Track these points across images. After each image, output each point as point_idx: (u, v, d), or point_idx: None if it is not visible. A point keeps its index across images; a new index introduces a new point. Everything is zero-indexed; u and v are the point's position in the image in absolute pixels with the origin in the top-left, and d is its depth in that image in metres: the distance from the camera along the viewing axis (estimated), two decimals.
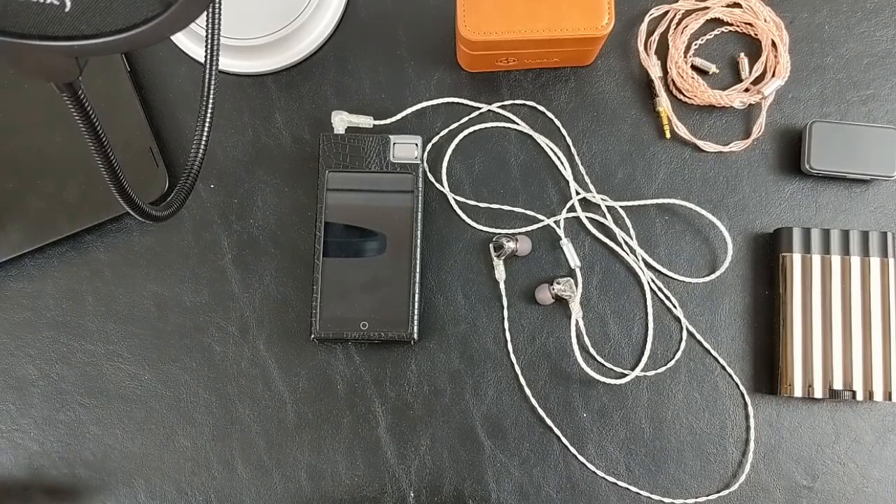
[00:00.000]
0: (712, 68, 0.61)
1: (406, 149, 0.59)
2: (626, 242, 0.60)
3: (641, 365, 0.59)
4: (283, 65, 0.61)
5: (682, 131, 0.60)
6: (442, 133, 0.61)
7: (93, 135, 0.38)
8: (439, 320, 0.60)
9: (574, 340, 0.57)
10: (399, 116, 0.61)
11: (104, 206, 0.59)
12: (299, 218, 0.61)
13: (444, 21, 0.62)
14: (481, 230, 0.60)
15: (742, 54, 0.62)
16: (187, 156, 0.59)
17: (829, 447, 0.58)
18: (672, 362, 0.59)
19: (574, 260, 0.59)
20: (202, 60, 0.62)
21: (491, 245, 0.60)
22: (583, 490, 0.58)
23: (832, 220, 0.61)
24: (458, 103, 0.62)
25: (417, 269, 0.57)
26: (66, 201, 0.59)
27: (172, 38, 0.62)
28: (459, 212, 0.61)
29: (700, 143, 0.61)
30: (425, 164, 0.61)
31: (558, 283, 0.58)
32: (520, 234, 0.60)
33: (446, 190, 0.61)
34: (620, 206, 0.61)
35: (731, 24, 0.62)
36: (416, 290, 0.57)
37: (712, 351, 0.59)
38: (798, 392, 0.57)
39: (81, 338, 0.60)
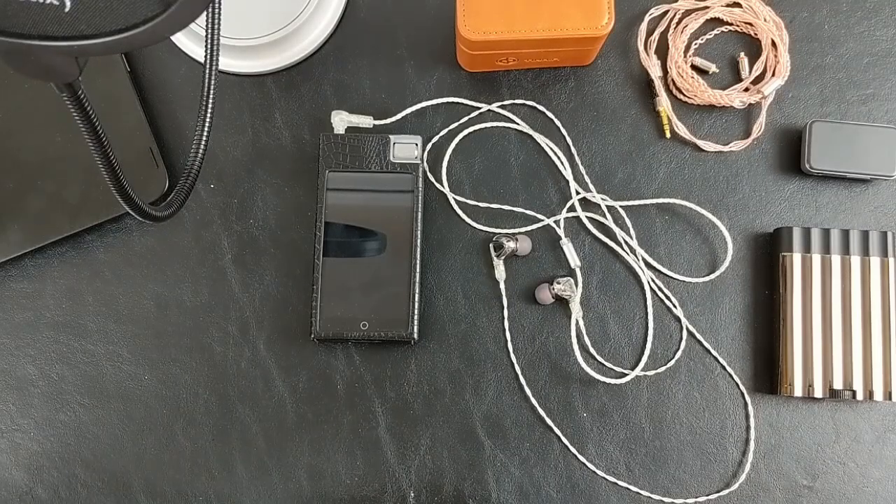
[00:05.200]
0: (712, 68, 0.61)
1: (406, 149, 0.59)
2: (626, 242, 0.60)
3: (641, 365, 0.59)
4: (283, 65, 0.61)
5: (682, 131, 0.60)
6: (442, 133, 0.61)
7: (93, 135, 0.38)
8: (439, 320, 0.60)
9: (574, 340, 0.57)
10: (399, 116, 0.61)
11: (104, 206, 0.59)
12: (299, 218, 0.61)
13: (444, 21, 0.62)
14: (481, 230, 0.60)
15: (742, 54, 0.62)
16: (187, 156, 0.59)
17: (829, 447, 0.58)
18: (672, 362, 0.59)
19: (574, 260, 0.59)
20: (202, 60, 0.62)
21: (491, 245, 0.60)
22: (583, 490, 0.58)
23: (832, 220, 0.61)
24: (458, 103, 0.62)
25: (417, 269, 0.57)
26: (66, 201, 0.59)
27: (172, 38, 0.62)
28: (459, 212, 0.61)
29: (700, 143, 0.61)
30: (425, 164, 0.61)
31: (558, 283, 0.58)
32: (520, 233, 0.60)
33: (446, 190, 0.61)
34: (620, 206, 0.61)
35: (731, 24, 0.62)
36: (416, 290, 0.57)
37: (712, 351, 0.59)
38: (798, 392, 0.57)
39: (81, 338, 0.60)
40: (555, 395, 0.59)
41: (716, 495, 0.58)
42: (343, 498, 0.58)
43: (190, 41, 0.61)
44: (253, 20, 0.59)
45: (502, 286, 0.60)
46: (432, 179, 0.61)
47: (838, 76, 0.62)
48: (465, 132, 0.61)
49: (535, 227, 0.60)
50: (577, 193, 0.61)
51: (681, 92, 0.61)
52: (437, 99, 0.62)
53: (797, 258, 0.58)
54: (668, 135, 0.61)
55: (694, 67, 0.62)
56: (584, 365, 0.57)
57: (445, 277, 0.60)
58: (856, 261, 0.58)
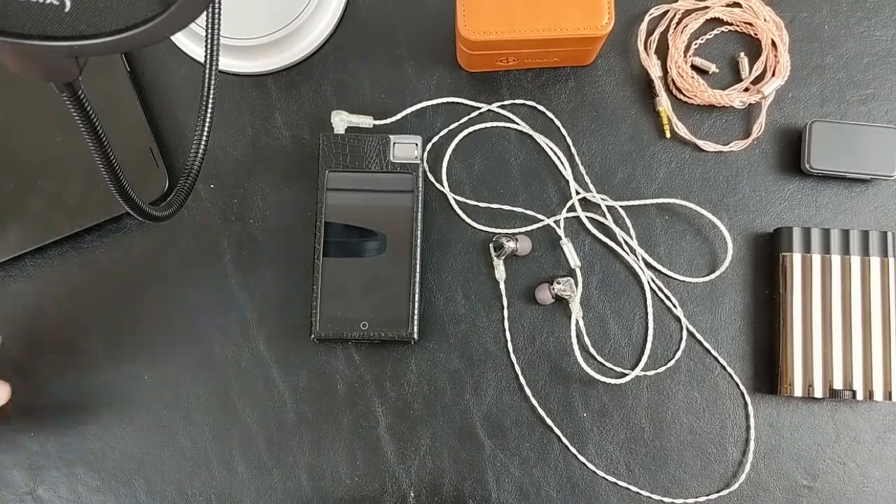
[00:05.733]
0: (712, 68, 0.61)
1: (406, 149, 0.59)
2: (626, 242, 0.60)
3: (641, 365, 0.59)
4: (283, 65, 0.61)
5: (682, 131, 0.60)
6: (442, 133, 0.61)
7: (93, 135, 0.38)
8: (439, 320, 0.60)
9: (574, 340, 0.57)
10: (399, 116, 0.61)
11: (104, 206, 0.59)
12: (299, 218, 0.61)
13: (444, 21, 0.62)
14: (481, 230, 0.60)
15: (742, 54, 0.62)
16: (187, 156, 0.59)
17: (829, 447, 0.58)
18: (672, 362, 0.59)
19: (574, 260, 0.59)
20: (202, 60, 0.62)
21: (491, 245, 0.60)
22: (583, 490, 0.58)
23: (832, 220, 0.61)
24: (458, 103, 0.62)
25: (417, 269, 0.57)
26: (66, 201, 0.59)
27: (172, 38, 0.61)
28: (459, 212, 0.61)
29: (700, 143, 0.61)
30: (425, 164, 0.61)
31: (558, 283, 0.58)
32: (520, 234, 0.60)
33: (446, 190, 0.61)
34: (620, 206, 0.61)
35: (731, 24, 0.62)
36: (416, 290, 0.57)
37: (712, 351, 0.59)
38: (798, 392, 0.57)
39: (81, 338, 0.60)
40: (555, 395, 0.59)
41: (716, 495, 0.58)
42: (343, 498, 0.58)
43: (190, 41, 0.61)
44: (253, 20, 0.59)
45: (502, 286, 0.60)
46: (432, 179, 0.61)
47: (838, 76, 0.62)
48: (465, 132, 0.61)
49: (535, 227, 0.60)
50: (577, 193, 0.61)
51: (681, 92, 0.61)
52: (437, 99, 0.62)
53: (797, 258, 0.58)
54: (668, 135, 0.61)
55: (694, 67, 0.62)
56: (584, 365, 0.57)
57: (445, 277, 0.60)
58: (856, 261, 0.58)
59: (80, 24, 0.31)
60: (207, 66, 0.50)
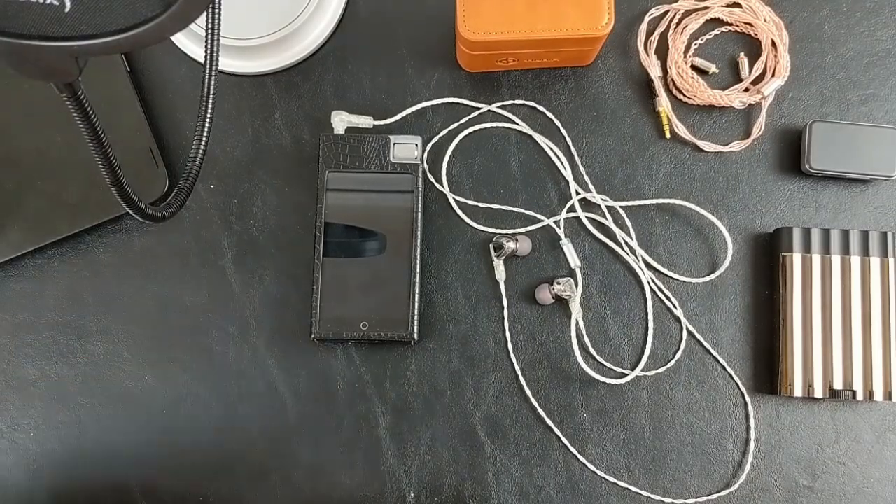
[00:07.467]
0: (712, 68, 0.61)
1: (406, 149, 0.59)
2: (626, 242, 0.60)
3: (641, 365, 0.59)
4: (283, 65, 0.61)
5: (682, 131, 0.60)
6: (442, 133, 0.61)
7: (93, 135, 0.38)
8: (439, 320, 0.60)
9: (574, 340, 0.57)
10: (399, 116, 0.61)
11: (104, 207, 0.59)
12: (299, 218, 0.61)
13: (444, 21, 0.62)
14: (481, 230, 0.60)
15: (742, 54, 0.62)
16: (187, 156, 0.59)
17: (829, 447, 0.58)
18: (672, 362, 0.59)
19: (574, 260, 0.59)
20: (202, 60, 0.62)
21: (491, 245, 0.60)
22: (583, 490, 0.58)
23: (832, 220, 0.61)
24: (458, 103, 0.62)
25: (417, 269, 0.57)
26: (66, 201, 0.59)
27: (172, 38, 0.61)
28: (459, 212, 0.61)
29: (700, 143, 0.61)
30: (425, 164, 0.61)
31: (558, 283, 0.58)
32: (520, 234, 0.60)
33: (446, 190, 0.61)
34: (620, 206, 0.61)
35: (731, 24, 0.62)
36: (416, 290, 0.57)
37: (712, 351, 0.59)
38: (798, 392, 0.57)
39: (81, 338, 0.60)
40: (555, 395, 0.59)
41: (716, 495, 0.58)
42: (343, 498, 0.58)
43: (190, 41, 0.61)
44: (253, 20, 0.59)
45: (502, 286, 0.60)
46: (432, 179, 0.61)
47: (838, 76, 0.62)
48: (465, 132, 0.61)
49: (535, 227, 0.60)
50: (577, 194, 0.61)
51: (681, 92, 0.61)
52: (437, 99, 0.62)
53: (797, 258, 0.58)
54: (668, 135, 0.61)
55: (694, 68, 0.62)
56: (584, 365, 0.57)
57: (445, 277, 0.60)
58: (856, 261, 0.58)
59: (80, 25, 0.31)
60: (207, 66, 0.50)
